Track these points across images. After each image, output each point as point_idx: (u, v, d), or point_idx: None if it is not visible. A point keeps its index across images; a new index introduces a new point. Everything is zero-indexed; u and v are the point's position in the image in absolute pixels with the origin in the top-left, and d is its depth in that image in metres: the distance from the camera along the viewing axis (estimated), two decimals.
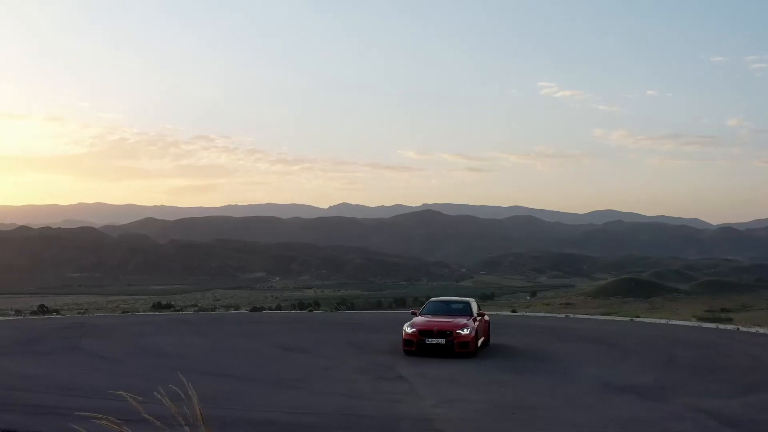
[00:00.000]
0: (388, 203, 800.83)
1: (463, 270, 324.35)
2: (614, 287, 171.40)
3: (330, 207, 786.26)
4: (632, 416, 10.54)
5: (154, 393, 6.22)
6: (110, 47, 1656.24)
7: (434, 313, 18.62)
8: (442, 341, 16.84)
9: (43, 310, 62.47)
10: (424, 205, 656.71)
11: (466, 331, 16.98)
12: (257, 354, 18.25)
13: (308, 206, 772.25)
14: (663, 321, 29.32)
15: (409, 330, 17.30)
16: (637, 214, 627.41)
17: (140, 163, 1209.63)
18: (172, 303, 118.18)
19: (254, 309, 44.84)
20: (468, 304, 19.08)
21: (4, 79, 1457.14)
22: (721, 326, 26.79)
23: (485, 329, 19.15)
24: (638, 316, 31.92)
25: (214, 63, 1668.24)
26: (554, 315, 33.24)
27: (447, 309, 18.97)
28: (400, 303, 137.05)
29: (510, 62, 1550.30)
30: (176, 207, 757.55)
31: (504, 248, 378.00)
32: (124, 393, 6.00)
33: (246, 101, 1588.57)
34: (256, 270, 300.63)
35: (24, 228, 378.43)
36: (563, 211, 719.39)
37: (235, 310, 46.11)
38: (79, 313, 54.53)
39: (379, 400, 11.74)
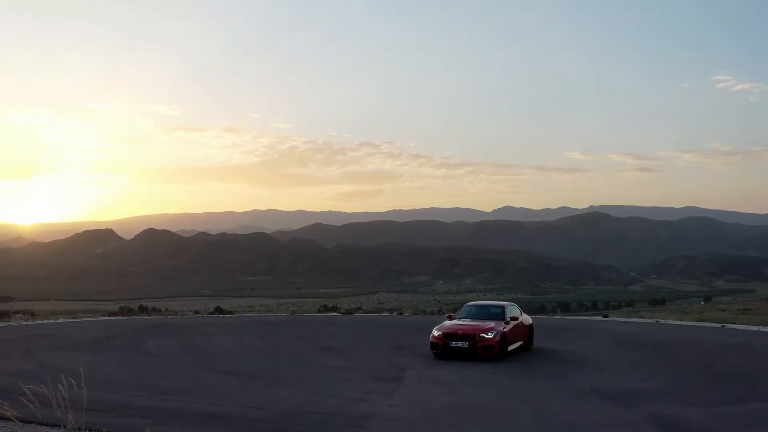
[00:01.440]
0: (553, 205, 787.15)
1: (632, 274, 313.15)
2: None
3: (494, 210, 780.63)
4: (577, 420, 10.34)
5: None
6: (280, 61, 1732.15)
7: (468, 317, 18.68)
8: (465, 344, 16.93)
9: (219, 311, 67.02)
10: (590, 207, 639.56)
11: (490, 335, 16.92)
12: (290, 354, 18.86)
13: (472, 210, 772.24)
14: (761, 328, 27.01)
15: (435, 333, 17.51)
16: None
17: (309, 171, 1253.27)
18: (338, 305, 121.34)
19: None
20: (503, 308, 18.92)
21: (188, 95, 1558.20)
22: None
23: (523, 334, 18.94)
24: (734, 323, 29.61)
25: (377, 71, 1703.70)
26: (645, 321, 31.20)
27: (481, 313, 18.90)
28: (564, 307, 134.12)
29: (682, 55, 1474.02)
30: (343, 212, 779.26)
31: (676, 251, 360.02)
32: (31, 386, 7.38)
33: (409, 107, 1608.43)
34: (420, 274, 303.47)
35: (203, 234, 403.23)
36: (742, 211, 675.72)
37: (395, 312, 46.73)
38: (254, 313, 57.19)
39: (346, 399, 11.95)
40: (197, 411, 10.63)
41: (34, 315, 41.95)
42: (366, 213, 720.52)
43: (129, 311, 77.87)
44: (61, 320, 31.94)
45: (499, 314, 18.43)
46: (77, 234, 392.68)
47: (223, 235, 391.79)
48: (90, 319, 33.99)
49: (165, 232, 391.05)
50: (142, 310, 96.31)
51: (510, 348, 17.60)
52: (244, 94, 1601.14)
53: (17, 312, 52.64)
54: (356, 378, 14.34)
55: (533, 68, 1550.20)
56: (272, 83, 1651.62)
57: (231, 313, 47.55)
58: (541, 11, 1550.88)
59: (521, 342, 18.66)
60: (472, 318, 18.50)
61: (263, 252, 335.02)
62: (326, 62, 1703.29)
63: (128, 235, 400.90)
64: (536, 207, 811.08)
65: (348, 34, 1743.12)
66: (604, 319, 31.91)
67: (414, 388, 13.18)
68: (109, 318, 35.16)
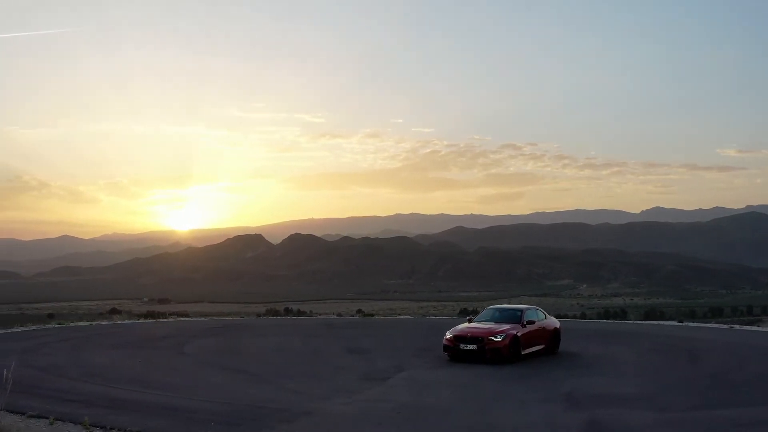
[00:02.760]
0: (706, 206, 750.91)
1: None
2: None
3: (642, 211, 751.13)
4: (506, 422, 10.61)
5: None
6: (421, 66, 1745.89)
7: (490, 320, 18.83)
8: (474, 347, 17.22)
9: (361, 313, 68.93)
10: (747, 207, 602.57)
11: (498, 338, 17.15)
12: (313, 354, 19.59)
13: (618, 211, 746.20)
14: None
15: (448, 336, 17.90)
16: None
17: (451, 174, 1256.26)
18: (478, 309, 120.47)
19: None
20: (521, 311, 18.96)
21: (332, 102, 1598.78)
22: None
23: (544, 338, 18.95)
24: None
25: (518, 71, 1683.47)
26: (718, 326, 29.40)
27: (500, 316, 19.01)
28: (716, 312, 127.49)
29: None
30: (484, 215, 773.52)
31: None
32: None
33: (552, 106, 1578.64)
34: (563, 277, 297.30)
35: (347, 238, 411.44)
36: None
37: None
38: (393, 315, 58.29)
39: (312, 396, 12.66)
40: (161, 403, 11.70)
41: (187, 316, 44.65)
42: (508, 216, 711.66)
43: (275, 313, 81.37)
44: (141, 321, 34.02)
45: (515, 317, 18.58)
46: (229, 239, 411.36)
47: (366, 239, 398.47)
48: (176, 319, 36.02)
49: (310, 237, 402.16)
50: (287, 312, 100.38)
51: (526, 351, 17.78)
52: (386, 100, 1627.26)
53: (172, 313, 55.96)
54: (347, 378, 14.99)
55: (684, 62, 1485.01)
56: (414, 88, 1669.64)
57: (372, 315, 48.68)
58: (692, 3, 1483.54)
59: (542, 346, 18.76)
60: (494, 321, 18.68)
61: (405, 256, 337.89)
62: (467, 65, 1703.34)
63: (276, 240, 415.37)
64: (688, 207, 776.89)
65: (487, 36, 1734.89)
66: (678, 324, 30.56)
67: (389, 388, 13.75)
68: (205, 318, 37.18)
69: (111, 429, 9.49)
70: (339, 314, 51.43)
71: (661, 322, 33.98)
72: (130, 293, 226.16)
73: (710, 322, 35.27)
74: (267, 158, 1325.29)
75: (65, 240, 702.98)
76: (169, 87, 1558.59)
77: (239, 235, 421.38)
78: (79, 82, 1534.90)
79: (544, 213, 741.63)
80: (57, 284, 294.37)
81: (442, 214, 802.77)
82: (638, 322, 36.44)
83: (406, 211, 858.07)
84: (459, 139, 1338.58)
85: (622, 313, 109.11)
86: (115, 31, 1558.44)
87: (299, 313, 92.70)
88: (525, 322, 18.29)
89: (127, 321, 33.02)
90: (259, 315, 40.56)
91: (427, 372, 15.96)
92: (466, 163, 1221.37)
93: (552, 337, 19.39)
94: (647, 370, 16.53)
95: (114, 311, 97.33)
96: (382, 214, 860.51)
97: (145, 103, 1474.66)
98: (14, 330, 24.80)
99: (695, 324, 31.02)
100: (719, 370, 16.23)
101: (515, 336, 17.47)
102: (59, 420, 9.92)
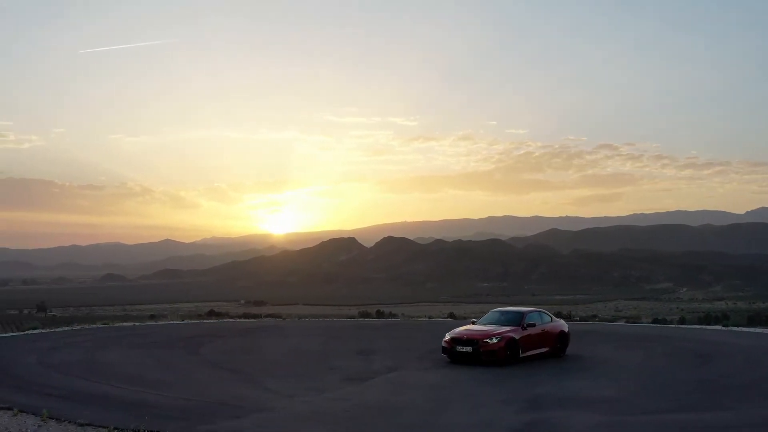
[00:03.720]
0: None
1: None
2: None
3: (747, 212, 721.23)
4: (447, 421, 10.78)
5: None
6: (514, 68, 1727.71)
7: (492, 323, 18.86)
8: (469, 349, 17.39)
9: (452, 316, 69.04)
10: None
11: (493, 341, 17.28)
12: (318, 355, 19.74)
13: (721, 212, 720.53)
14: None
15: (446, 338, 18.11)
16: None
17: (545, 176, 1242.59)
18: (572, 313, 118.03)
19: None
20: (522, 314, 18.98)
21: (425, 106, 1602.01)
22: None
23: (548, 341, 18.90)
24: None
25: (614, 69, 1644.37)
26: (762, 331, 27.76)
27: (502, 319, 19.06)
28: None
29: None
30: (580, 217, 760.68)
31: None
32: None
33: (650, 105, 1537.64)
34: (662, 280, 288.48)
35: (439, 241, 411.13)
36: None
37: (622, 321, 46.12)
38: (472, 322, 58.28)
39: (280, 395, 13.01)
40: (131, 399, 12.32)
41: (282, 317, 45.96)
42: (605, 217, 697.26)
43: (366, 315, 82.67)
44: (185, 321, 35.35)
45: (516, 320, 18.61)
46: (323, 242, 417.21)
47: (459, 242, 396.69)
48: (218, 321, 37.31)
49: (403, 240, 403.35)
50: (379, 314, 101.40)
51: (526, 354, 17.87)
52: (479, 102, 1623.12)
53: (267, 315, 57.58)
54: (332, 378, 15.29)
55: None
56: (507, 90, 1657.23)
57: (462, 318, 48.87)
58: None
59: (545, 349, 18.76)
60: (496, 323, 18.72)
61: (498, 258, 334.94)
62: (560, 65, 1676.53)
63: (369, 243, 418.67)
64: None
65: (582, 34, 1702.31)
66: (722, 328, 29.61)
67: (364, 388, 14.05)
68: (252, 320, 38.03)
69: (64, 421, 10.17)
70: (430, 317, 51.81)
71: (706, 327, 32.98)
72: (228, 295, 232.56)
73: (756, 327, 33.81)
74: (360, 162, 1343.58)
75: (167, 244, 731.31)
76: (265, 94, 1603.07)
77: (333, 239, 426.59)
78: (180, 91, 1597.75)
79: (642, 214, 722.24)
80: (159, 286, 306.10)
81: (536, 216, 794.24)
82: (679, 326, 35.36)
83: (499, 214, 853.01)
84: (553, 140, 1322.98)
85: (723, 317, 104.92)
86: (213, 42, 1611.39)
87: (390, 315, 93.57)
88: (525, 325, 18.33)
89: (171, 322, 34.07)
90: (300, 317, 40.98)
91: (418, 373, 16.15)
92: (561, 164, 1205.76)
93: (557, 340, 19.30)
94: (642, 374, 16.37)
95: (212, 313, 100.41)
96: (475, 216, 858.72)
97: (242, 111, 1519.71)
98: (56, 329, 26.33)
99: (739, 329, 29.87)
100: (718, 375, 15.94)
101: (512, 339, 17.56)
102: (23, 412, 10.68)
